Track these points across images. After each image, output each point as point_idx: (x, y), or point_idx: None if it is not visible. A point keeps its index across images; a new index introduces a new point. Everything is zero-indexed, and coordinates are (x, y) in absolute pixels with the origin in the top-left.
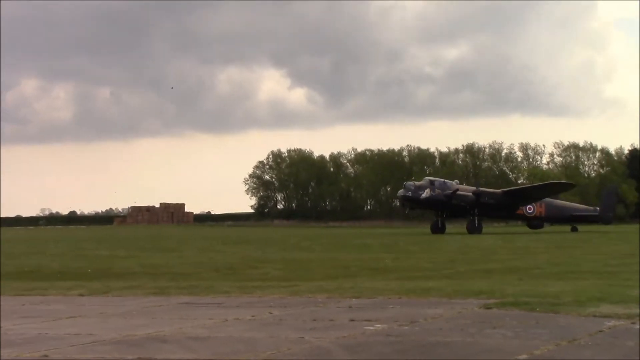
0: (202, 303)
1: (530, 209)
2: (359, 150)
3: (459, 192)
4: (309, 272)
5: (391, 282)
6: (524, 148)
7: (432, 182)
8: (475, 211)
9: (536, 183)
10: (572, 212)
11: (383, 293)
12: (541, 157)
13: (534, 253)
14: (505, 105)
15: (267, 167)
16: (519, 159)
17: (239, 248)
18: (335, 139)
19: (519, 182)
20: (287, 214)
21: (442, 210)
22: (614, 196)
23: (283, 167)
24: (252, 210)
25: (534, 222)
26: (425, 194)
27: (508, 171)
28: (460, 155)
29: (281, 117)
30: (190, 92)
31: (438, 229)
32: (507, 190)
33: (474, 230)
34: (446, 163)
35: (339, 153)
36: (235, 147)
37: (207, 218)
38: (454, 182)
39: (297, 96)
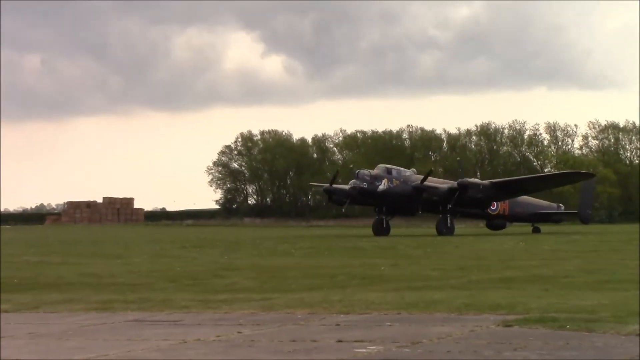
0: (155, 320)
1: (493, 205)
2: (349, 132)
3: (430, 184)
4: (287, 282)
5: (388, 294)
6: (552, 129)
7: (389, 171)
8: (448, 207)
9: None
10: (536, 210)
11: (378, 307)
12: (572, 140)
13: (563, 258)
14: (528, 76)
15: (236, 152)
16: (545, 143)
17: (200, 253)
18: (319, 118)
19: (546, 170)
20: (260, 211)
21: (405, 207)
22: (592, 191)
23: (255, 152)
24: (217, 206)
25: (497, 222)
26: (383, 185)
27: (532, 157)
28: (474, 137)
29: (252, 91)
30: (140, 60)
31: (382, 230)
32: (499, 182)
33: (444, 230)
34: (456, 147)
35: (323, 135)
36: (195, 128)
37: (161, 216)
38: (409, 171)
39: (272, 65)
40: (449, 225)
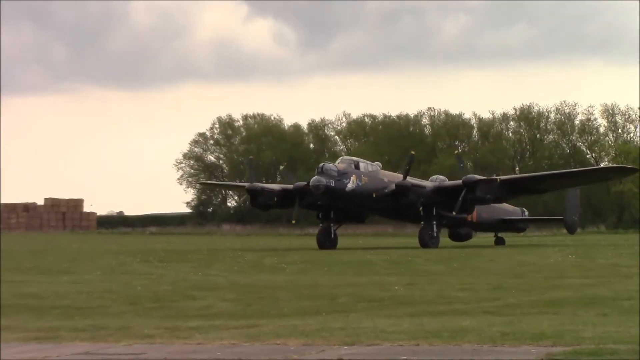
0: (111, 354)
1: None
2: (354, 116)
3: (415, 182)
4: (276, 305)
5: (403, 320)
6: (609, 113)
7: (356, 165)
8: (434, 212)
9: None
10: (502, 216)
11: (391, 337)
12: (636, 127)
13: (624, 275)
14: (579, 46)
15: (212, 142)
16: (602, 130)
17: (168, 268)
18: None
19: (602, 164)
20: (242, 216)
21: (377, 210)
22: (579, 194)
23: (236, 142)
24: (189, 210)
25: (463, 231)
26: (352, 183)
27: (585, 148)
28: (511, 123)
29: (232, 64)
30: (90, 27)
31: (329, 242)
32: (512, 179)
33: (430, 241)
34: (489, 135)
35: (322, 121)
36: (161, 111)
37: (118, 222)
38: (375, 165)
39: (258, 32)
40: (435, 234)
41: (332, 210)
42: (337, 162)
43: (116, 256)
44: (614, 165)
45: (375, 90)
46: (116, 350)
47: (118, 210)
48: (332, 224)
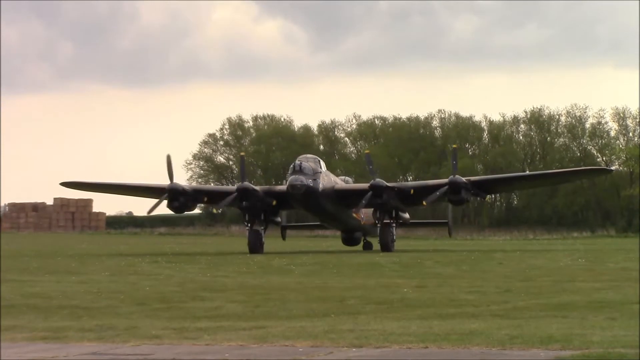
0: (119, 354)
1: (363, 213)
2: (364, 118)
3: (400, 185)
4: (285, 307)
5: (412, 323)
6: (620, 116)
7: (320, 164)
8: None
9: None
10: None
11: (399, 340)
12: None
13: (634, 279)
14: (591, 48)
15: (221, 143)
16: (612, 134)
17: (176, 269)
18: (327, 101)
19: (613, 168)
20: None
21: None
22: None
23: (246, 143)
24: (198, 211)
25: (357, 235)
26: (321, 184)
27: (595, 152)
28: (522, 126)
29: (242, 65)
30: (97, 24)
31: (260, 246)
32: (480, 180)
33: (390, 246)
34: (500, 138)
35: (332, 122)
36: (170, 111)
37: (127, 222)
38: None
39: (268, 31)
40: (393, 238)
41: (279, 211)
42: (304, 160)
43: (124, 257)
44: (586, 167)
45: (385, 91)
46: (124, 351)
47: (127, 211)
48: (262, 227)
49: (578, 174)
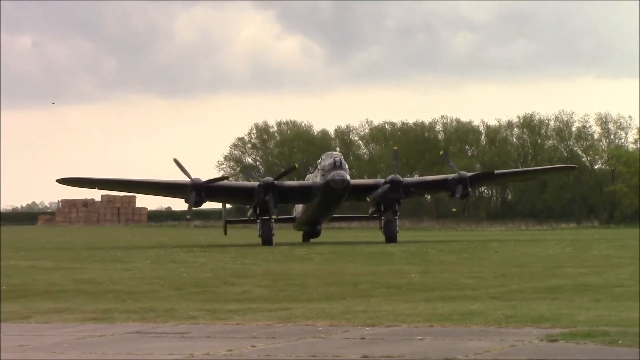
0: (159, 332)
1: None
2: (375, 123)
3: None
4: (305, 291)
5: (419, 305)
6: (603, 121)
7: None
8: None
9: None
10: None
11: (407, 319)
12: (626, 134)
13: (616, 265)
14: (576, 60)
15: (249, 146)
16: (596, 136)
17: (209, 257)
18: (342, 108)
19: (596, 167)
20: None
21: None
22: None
23: (271, 146)
24: (229, 206)
25: (319, 228)
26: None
27: (580, 152)
28: (515, 130)
29: (266, 76)
30: (138, 41)
31: (271, 238)
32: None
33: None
34: (496, 141)
35: (347, 127)
36: (202, 118)
37: (166, 216)
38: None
39: (289, 47)
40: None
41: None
42: (339, 157)
43: (164, 247)
44: (553, 166)
45: (394, 99)
46: (164, 330)
47: (166, 206)
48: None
49: (548, 171)
